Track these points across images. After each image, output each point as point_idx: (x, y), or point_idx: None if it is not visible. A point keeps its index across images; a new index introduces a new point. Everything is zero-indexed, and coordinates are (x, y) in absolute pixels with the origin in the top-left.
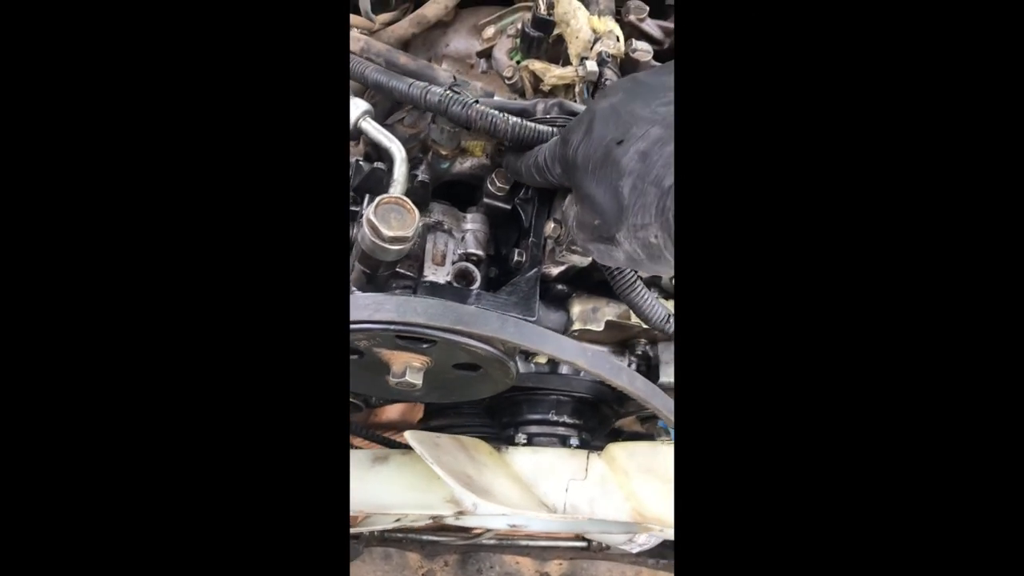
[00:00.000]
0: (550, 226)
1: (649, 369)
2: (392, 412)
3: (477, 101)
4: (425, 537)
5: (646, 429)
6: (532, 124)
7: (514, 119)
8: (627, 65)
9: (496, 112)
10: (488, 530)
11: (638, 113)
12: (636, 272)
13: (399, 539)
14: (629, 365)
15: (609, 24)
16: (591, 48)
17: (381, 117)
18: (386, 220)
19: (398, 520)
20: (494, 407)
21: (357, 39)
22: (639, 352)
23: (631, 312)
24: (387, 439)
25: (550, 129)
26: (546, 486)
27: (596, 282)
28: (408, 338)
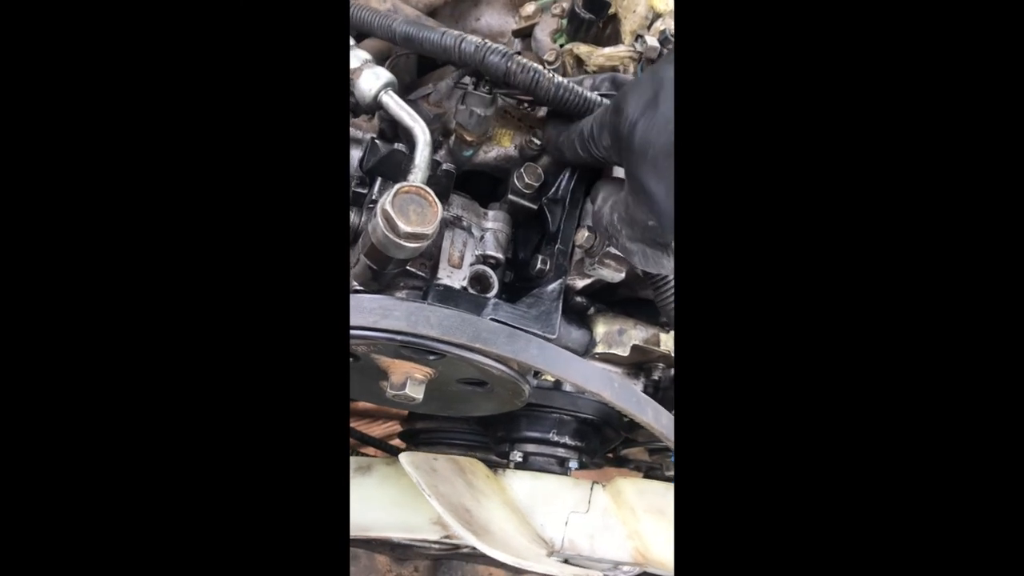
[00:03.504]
0: (583, 234)
1: (658, 391)
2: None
3: (519, 53)
4: (396, 540)
5: (654, 461)
6: (579, 89)
7: (560, 79)
8: None
9: (540, 67)
10: (466, 544)
11: None
12: None
13: (368, 540)
14: (644, 388)
15: (670, 3)
16: (649, 27)
17: (402, 92)
18: (404, 213)
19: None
20: (490, 418)
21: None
22: (655, 377)
23: (659, 336)
24: (361, 434)
25: (598, 98)
26: (544, 516)
27: (619, 299)
28: (415, 348)
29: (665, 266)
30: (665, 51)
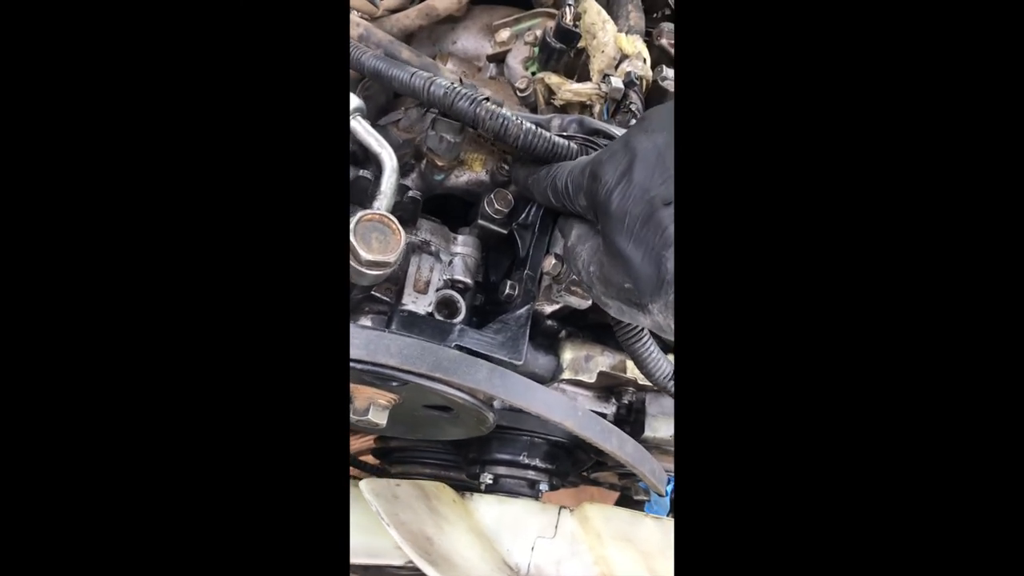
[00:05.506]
0: (550, 262)
1: (630, 414)
2: None
3: (488, 99)
4: (361, 563)
5: (624, 484)
6: (547, 135)
7: (528, 124)
8: (654, 93)
9: (508, 114)
10: None
11: None
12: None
13: None
14: (617, 411)
15: (638, 45)
16: (616, 67)
17: (373, 116)
18: (366, 240)
19: None
20: (461, 439)
21: (356, 24)
22: (625, 401)
23: (626, 363)
24: None
25: (566, 143)
26: (511, 542)
27: (590, 323)
28: (376, 375)
29: (641, 322)
30: (631, 93)
